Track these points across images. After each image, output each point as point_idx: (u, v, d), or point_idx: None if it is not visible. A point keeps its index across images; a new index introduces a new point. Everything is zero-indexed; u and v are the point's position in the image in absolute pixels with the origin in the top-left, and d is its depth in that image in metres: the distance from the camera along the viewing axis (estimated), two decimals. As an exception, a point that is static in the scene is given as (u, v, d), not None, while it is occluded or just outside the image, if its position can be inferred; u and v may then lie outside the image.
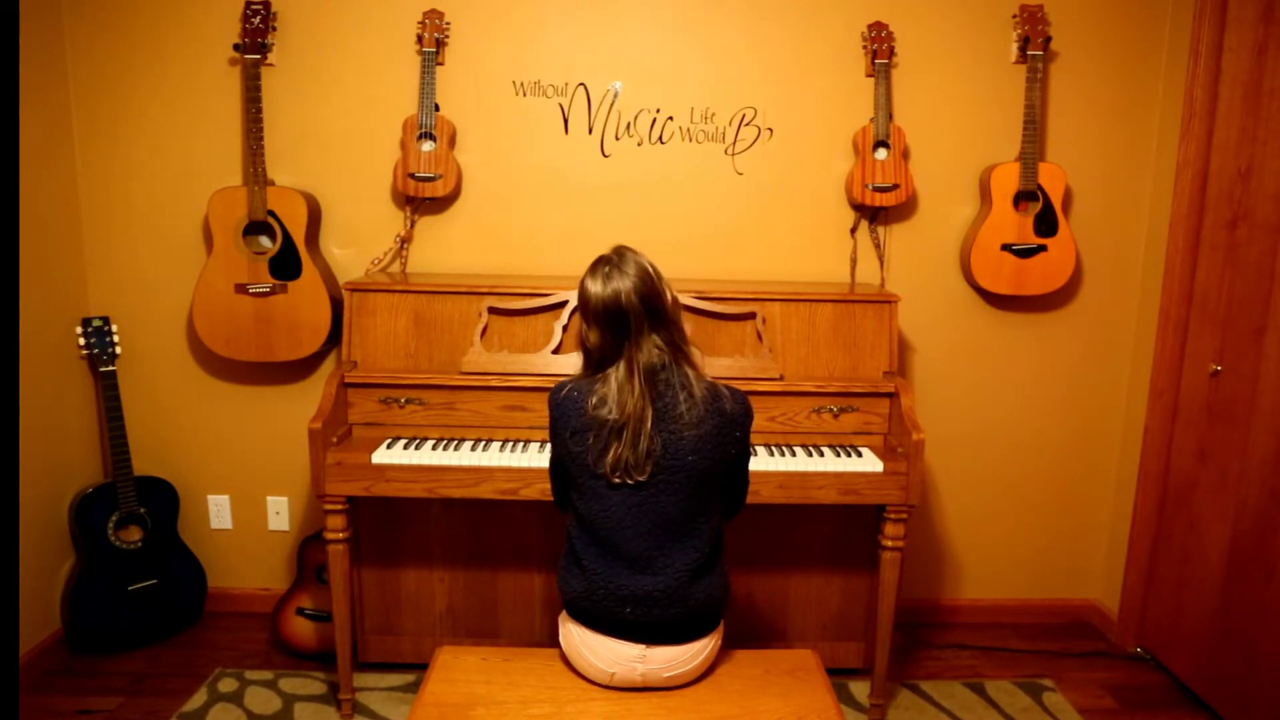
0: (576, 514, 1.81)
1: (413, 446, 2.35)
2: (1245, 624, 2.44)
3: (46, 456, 2.69)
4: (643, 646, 1.77)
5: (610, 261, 1.77)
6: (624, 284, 1.72)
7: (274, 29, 2.70)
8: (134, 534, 2.81)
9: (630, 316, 1.72)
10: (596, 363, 1.79)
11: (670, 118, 2.81)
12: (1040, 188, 2.73)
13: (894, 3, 2.75)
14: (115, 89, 2.77)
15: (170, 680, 2.65)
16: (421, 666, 2.61)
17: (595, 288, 1.74)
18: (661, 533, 1.75)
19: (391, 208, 2.85)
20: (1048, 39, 2.69)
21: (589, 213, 2.84)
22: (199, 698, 2.54)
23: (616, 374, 1.73)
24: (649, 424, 1.71)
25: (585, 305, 1.77)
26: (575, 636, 1.83)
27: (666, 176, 2.84)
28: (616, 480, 1.72)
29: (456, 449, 2.34)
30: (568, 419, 1.76)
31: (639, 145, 2.82)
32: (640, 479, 1.72)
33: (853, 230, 2.88)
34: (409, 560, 2.65)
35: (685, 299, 2.44)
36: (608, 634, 1.78)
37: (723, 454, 1.77)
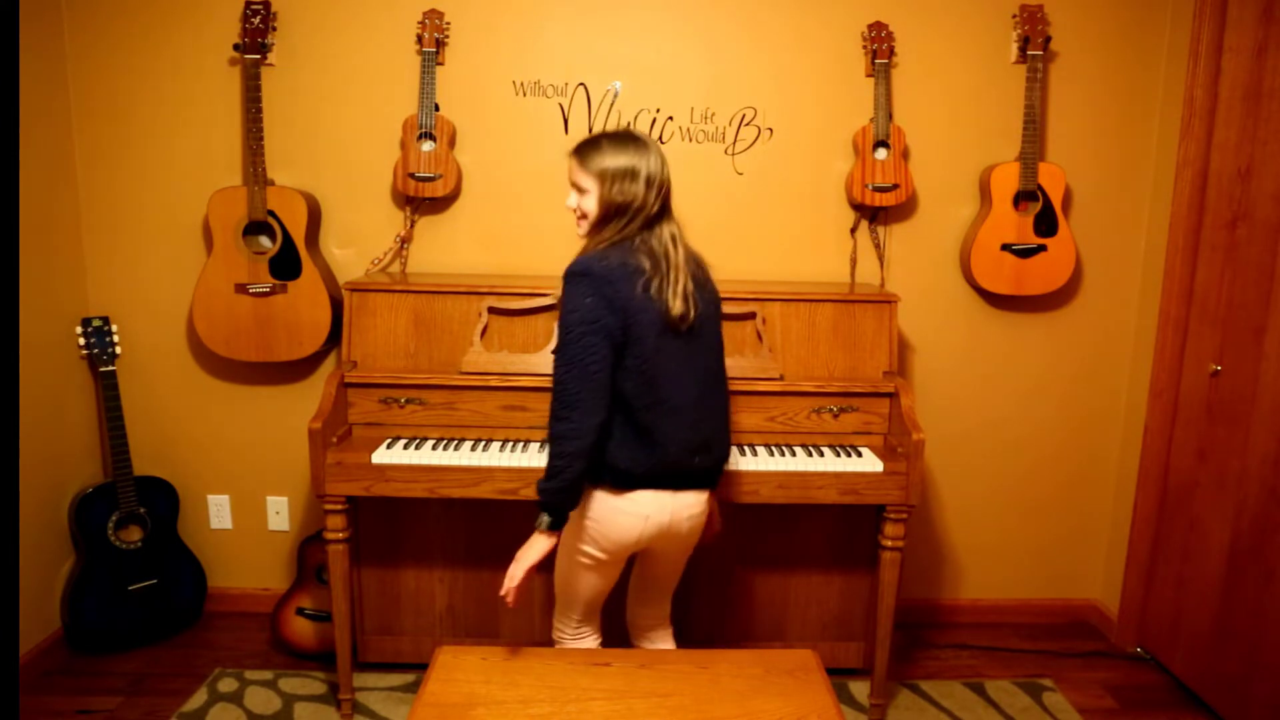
0: (634, 386, 1.83)
1: (413, 446, 2.35)
2: (1245, 624, 2.44)
3: (46, 456, 2.69)
4: (690, 493, 1.94)
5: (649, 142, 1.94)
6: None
7: (274, 29, 2.70)
8: (134, 534, 2.81)
9: (668, 194, 1.91)
10: (626, 220, 1.85)
11: (670, 118, 2.81)
12: (1040, 188, 2.73)
13: (894, 3, 2.75)
14: (115, 89, 2.77)
15: (170, 680, 2.65)
16: (421, 666, 2.61)
17: (655, 164, 1.89)
18: (704, 383, 1.93)
19: (391, 208, 2.85)
20: (1048, 39, 2.69)
21: (589, 213, 2.84)
22: (199, 698, 2.54)
23: (656, 234, 1.86)
24: (688, 271, 1.87)
25: (641, 171, 1.86)
26: (606, 501, 1.90)
27: (666, 176, 2.84)
28: (679, 312, 1.81)
29: (456, 449, 2.34)
30: (615, 282, 1.78)
31: (639, 145, 2.82)
32: (691, 319, 1.85)
33: (853, 230, 2.88)
34: (409, 560, 2.66)
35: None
36: (676, 489, 1.91)
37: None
